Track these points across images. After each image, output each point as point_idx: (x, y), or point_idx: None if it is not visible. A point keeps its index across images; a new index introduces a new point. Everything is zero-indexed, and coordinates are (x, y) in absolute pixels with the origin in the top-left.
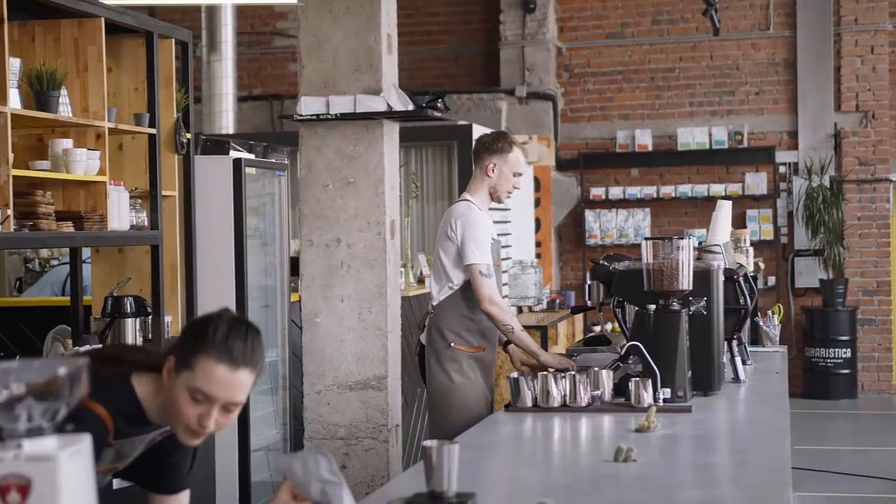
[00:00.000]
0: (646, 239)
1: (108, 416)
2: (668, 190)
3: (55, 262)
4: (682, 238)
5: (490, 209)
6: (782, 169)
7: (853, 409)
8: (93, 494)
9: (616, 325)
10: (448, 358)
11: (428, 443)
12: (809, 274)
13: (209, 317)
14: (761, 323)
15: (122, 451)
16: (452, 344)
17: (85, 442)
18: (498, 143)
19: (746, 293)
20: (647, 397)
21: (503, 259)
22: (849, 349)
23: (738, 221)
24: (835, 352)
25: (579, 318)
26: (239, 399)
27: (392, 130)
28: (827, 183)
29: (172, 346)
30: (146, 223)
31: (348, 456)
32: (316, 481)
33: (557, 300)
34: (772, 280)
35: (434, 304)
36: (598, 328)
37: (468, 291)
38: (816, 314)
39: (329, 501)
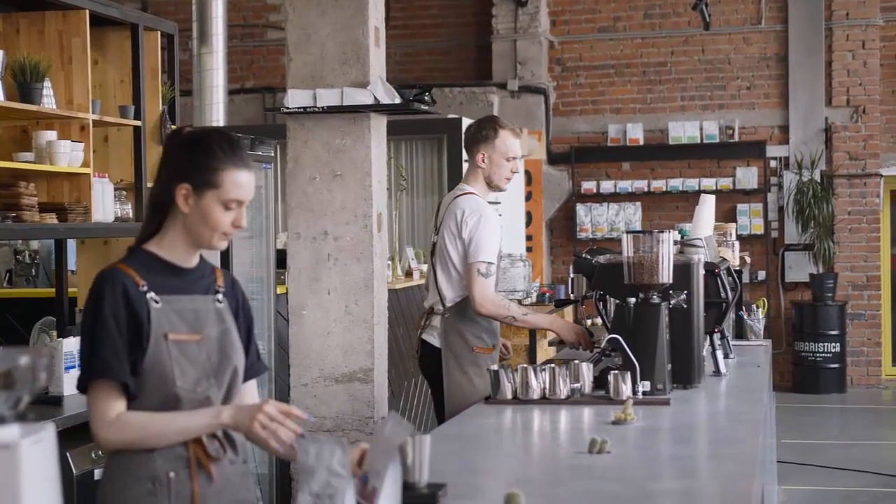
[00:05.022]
0: (626, 232)
1: (128, 267)
2: (659, 184)
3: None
4: (663, 232)
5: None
6: (773, 163)
7: (842, 404)
8: (56, 482)
9: None
10: (469, 362)
11: None
12: (799, 268)
13: (202, 136)
14: (746, 317)
15: (181, 313)
16: (474, 348)
17: (48, 430)
18: (482, 130)
19: (728, 287)
20: (626, 390)
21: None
22: (838, 343)
23: (729, 216)
24: (824, 346)
25: (569, 311)
26: (253, 195)
27: (379, 123)
28: (817, 177)
29: (175, 175)
30: (131, 215)
31: None
32: (324, 470)
33: (548, 294)
34: (762, 274)
35: (447, 304)
36: (589, 322)
37: None
38: (806, 308)
39: (332, 494)
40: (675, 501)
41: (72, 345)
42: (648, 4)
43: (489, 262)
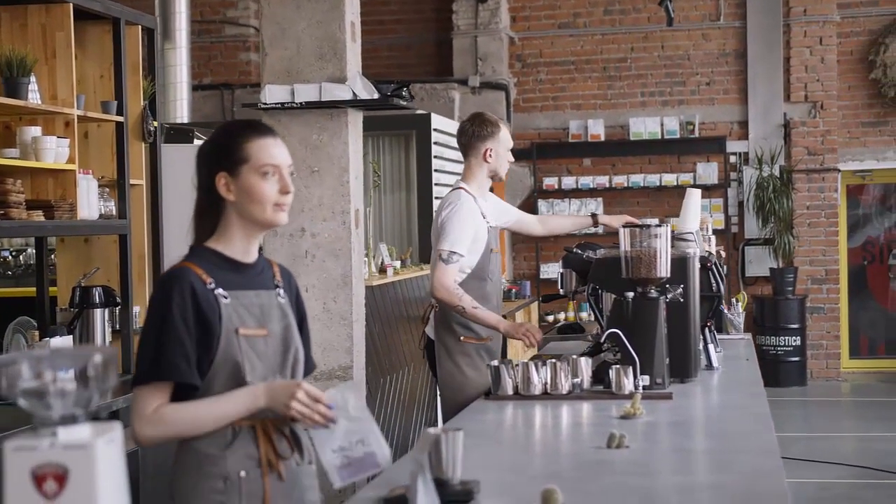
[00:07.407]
0: (624, 226)
1: (195, 265)
2: (620, 179)
3: (5, 252)
4: (660, 226)
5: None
6: (733, 159)
7: (803, 396)
8: (125, 481)
9: (572, 313)
10: (459, 352)
11: (433, 430)
12: (760, 262)
13: (219, 129)
14: (726, 311)
15: (248, 308)
16: (462, 338)
17: (117, 429)
18: (486, 128)
19: (719, 280)
20: (629, 384)
21: None
22: (798, 337)
23: None
24: (785, 339)
25: (534, 307)
26: (290, 161)
27: (356, 119)
28: (777, 172)
29: (210, 172)
30: (114, 212)
31: None
32: (343, 420)
33: (513, 290)
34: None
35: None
36: (550, 318)
37: (470, 283)
38: (767, 302)
39: (360, 438)
40: (712, 496)
41: (58, 345)
42: (608, 1)
43: (452, 251)
